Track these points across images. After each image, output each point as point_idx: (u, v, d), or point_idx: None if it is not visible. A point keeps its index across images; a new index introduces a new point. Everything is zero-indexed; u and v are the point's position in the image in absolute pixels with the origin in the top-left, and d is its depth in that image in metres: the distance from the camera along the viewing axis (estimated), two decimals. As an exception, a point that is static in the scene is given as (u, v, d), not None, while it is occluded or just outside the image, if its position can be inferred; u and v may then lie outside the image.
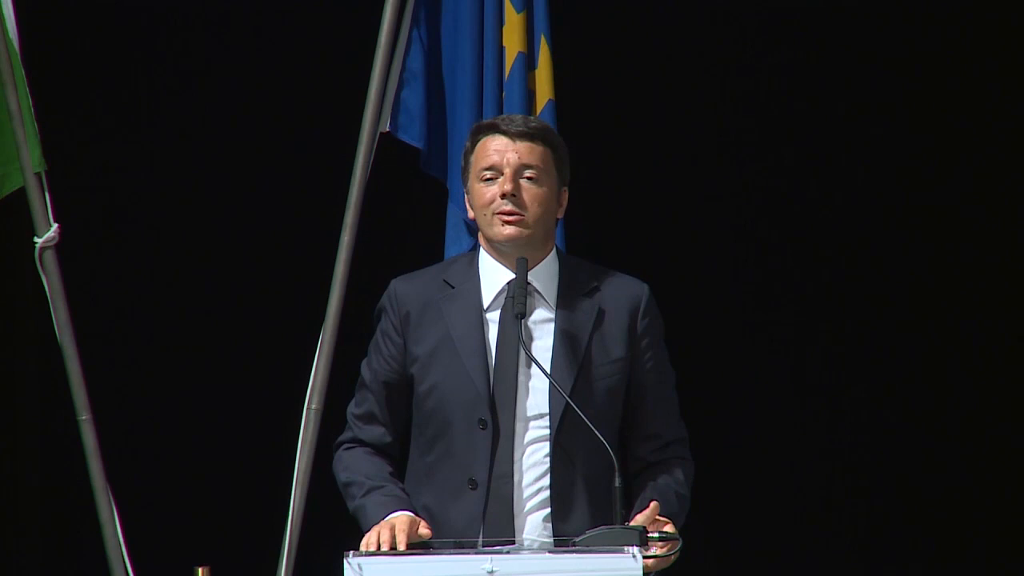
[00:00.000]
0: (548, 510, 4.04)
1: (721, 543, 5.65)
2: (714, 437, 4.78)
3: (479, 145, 4.17)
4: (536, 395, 4.06)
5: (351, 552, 3.69)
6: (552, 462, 4.04)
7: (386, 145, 5.27)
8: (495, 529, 4.00)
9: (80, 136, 5.67)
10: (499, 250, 4.16)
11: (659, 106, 5.82)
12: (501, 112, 5.16)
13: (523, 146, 4.14)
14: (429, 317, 4.14)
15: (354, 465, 4.16)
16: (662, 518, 3.92)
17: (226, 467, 5.64)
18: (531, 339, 4.10)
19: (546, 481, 4.04)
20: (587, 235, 5.15)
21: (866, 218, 5.88)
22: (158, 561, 5.25)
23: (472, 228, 5.08)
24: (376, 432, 4.18)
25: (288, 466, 5.16)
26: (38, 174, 5.18)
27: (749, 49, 5.86)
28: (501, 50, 5.26)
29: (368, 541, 3.91)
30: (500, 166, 4.12)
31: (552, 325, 4.12)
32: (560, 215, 4.22)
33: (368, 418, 4.19)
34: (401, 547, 3.86)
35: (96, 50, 5.71)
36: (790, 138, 5.86)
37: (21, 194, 5.20)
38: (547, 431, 4.05)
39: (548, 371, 4.03)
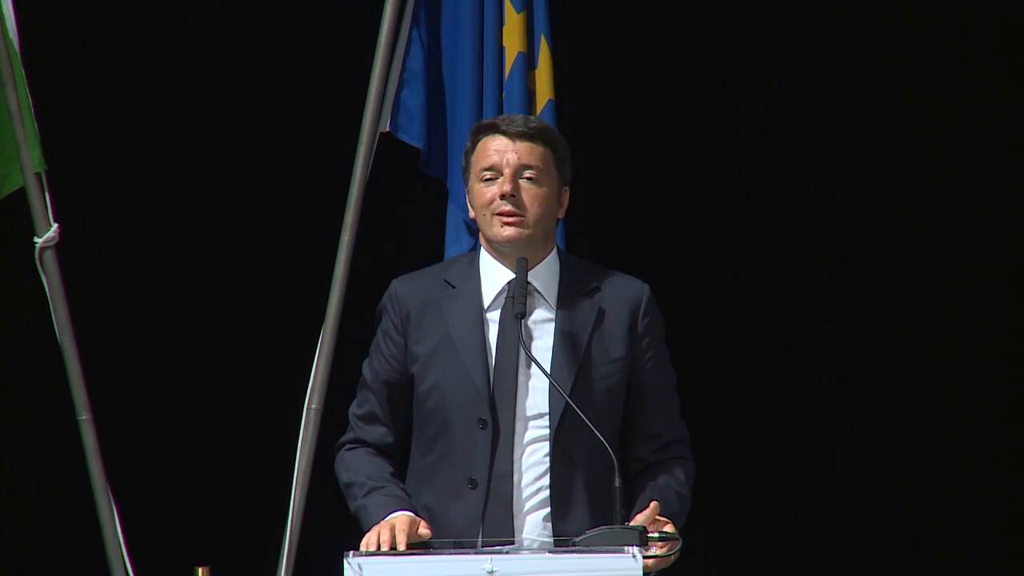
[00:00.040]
0: (548, 509, 4.04)
1: (721, 543, 5.65)
2: (714, 437, 4.78)
3: (479, 145, 4.17)
4: (536, 395, 4.06)
5: (351, 552, 3.69)
6: (552, 462, 4.04)
7: (386, 145, 5.27)
8: (495, 528, 4.00)
9: (80, 136, 5.67)
10: (499, 250, 4.16)
11: (659, 106, 5.82)
12: (501, 112, 5.16)
13: (523, 146, 4.14)
14: (430, 317, 4.15)
15: (356, 466, 4.16)
16: (662, 518, 3.92)
17: (226, 467, 5.64)
18: (531, 339, 4.10)
19: (546, 481, 4.04)
20: (587, 235, 5.15)
21: (866, 218, 5.88)
22: (158, 561, 5.25)
23: (472, 228, 5.08)
24: (378, 432, 4.18)
25: (288, 466, 5.16)
26: (38, 174, 5.18)
27: (749, 49, 5.87)
28: (501, 50, 5.26)
29: (368, 541, 3.91)
30: (500, 166, 4.12)
31: (552, 325, 4.12)
32: (561, 215, 4.22)
33: (370, 418, 4.19)
34: (401, 547, 3.86)
35: (96, 50, 5.71)
36: (790, 138, 5.86)
37: (21, 194, 5.20)
38: (547, 431, 4.05)
39: (548, 371, 4.03)
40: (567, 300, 4.14)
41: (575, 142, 4.28)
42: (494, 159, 4.13)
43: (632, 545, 3.65)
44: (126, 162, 5.73)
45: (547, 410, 4.05)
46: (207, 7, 5.71)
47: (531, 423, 4.06)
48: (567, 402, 4.00)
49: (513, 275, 4.10)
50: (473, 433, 4.05)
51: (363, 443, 4.19)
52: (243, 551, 5.27)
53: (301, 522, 5.14)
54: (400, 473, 4.17)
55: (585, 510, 4.04)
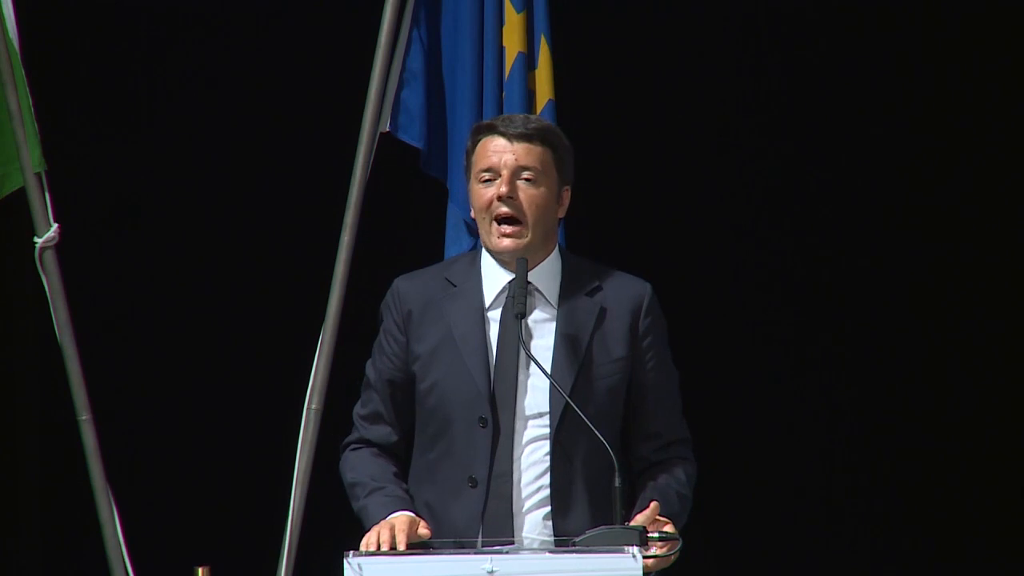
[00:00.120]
0: (548, 508, 4.04)
1: (721, 543, 5.65)
2: (714, 437, 4.77)
3: (479, 146, 4.17)
4: (536, 394, 4.06)
5: (351, 552, 3.69)
6: (552, 461, 4.04)
7: (386, 145, 5.27)
8: (495, 527, 4.00)
9: (80, 136, 5.67)
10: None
11: (659, 106, 5.82)
12: (501, 112, 5.16)
13: (520, 147, 4.13)
14: (431, 315, 4.15)
15: (359, 466, 4.16)
16: (662, 518, 3.92)
17: (226, 467, 5.64)
18: (532, 338, 4.10)
19: (546, 480, 4.04)
20: (587, 235, 5.15)
21: (866, 218, 5.88)
22: (158, 561, 5.25)
23: (472, 228, 5.08)
24: (382, 432, 4.18)
25: (288, 466, 5.16)
26: (38, 174, 5.18)
27: (749, 49, 5.87)
28: (501, 50, 5.26)
29: (368, 541, 3.91)
30: (497, 167, 4.12)
31: (553, 324, 4.12)
32: (561, 214, 4.21)
33: (374, 418, 4.19)
34: (401, 547, 3.86)
35: (96, 50, 5.71)
36: (790, 138, 5.86)
37: (21, 194, 5.20)
38: (547, 430, 4.05)
39: (549, 370, 4.03)
40: (568, 299, 4.14)
41: (575, 142, 4.27)
42: (492, 160, 4.13)
43: (632, 545, 3.65)
44: (126, 162, 5.73)
45: (547, 409, 4.05)
46: (207, 7, 5.71)
47: (531, 422, 4.06)
48: (567, 401, 4.00)
49: (514, 275, 4.10)
50: (473, 432, 4.05)
51: (367, 443, 4.19)
52: (243, 551, 5.27)
53: (301, 522, 5.14)
54: (404, 473, 4.17)
55: (585, 509, 4.04)
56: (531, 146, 4.13)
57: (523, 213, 4.11)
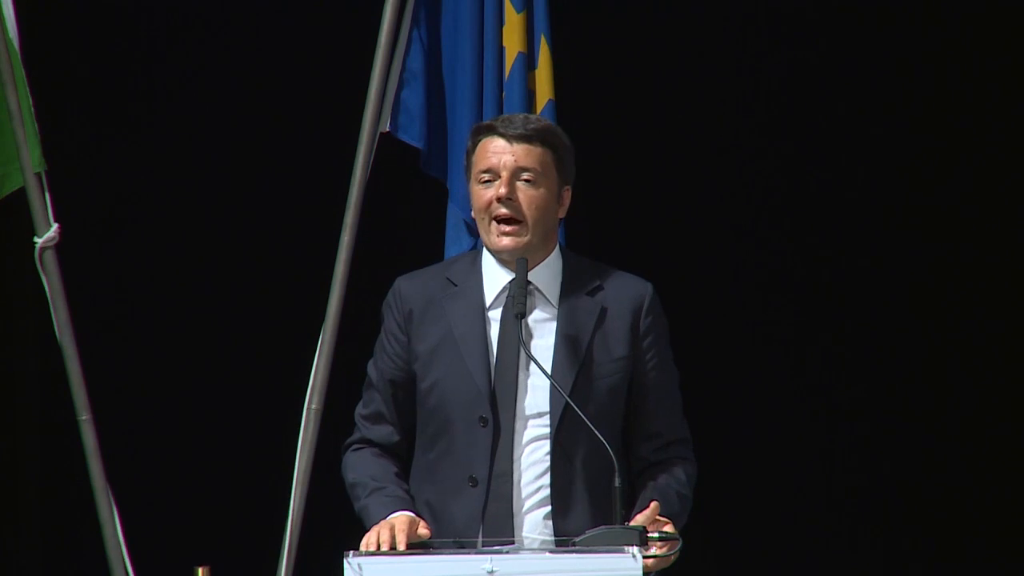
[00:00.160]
0: (548, 508, 4.04)
1: (721, 543, 5.65)
2: (714, 437, 4.78)
3: (479, 147, 4.16)
4: (536, 393, 4.06)
5: (351, 552, 3.69)
6: (552, 460, 4.04)
7: (386, 145, 5.27)
8: (495, 527, 4.00)
9: (80, 136, 5.67)
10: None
11: (659, 106, 5.82)
12: (501, 112, 5.16)
13: (520, 148, 4.13)
14: (432, 315, 4.15)
15: (360, 466, 4.16)
16: (662, 518, 3.92)
17: (226, 467, 5.64)
18: (532, 338, 4.10)
19: (546, 479, 4.04)
20: (587, 235, 5.15)
21: (866, 218, 5.88)
22: (158, 561, 5.25)
23: (472, 228, 5.08)
24: (384, 431, 4.18)
25: (288, 466, 5.16)
26: (38, 174, 5.18)
27: (749, 49, 5.86)
28: (501, 50, 5.26)
29: (368, 541, 3.91)
30: (497, 168, 4.12)
31: (554, 324, 4.12)
32: (562, 214, 4.21)
33: (376, 418, 4.19)
34: (401, 547, 3.86)
35: (96, 50, 5.71)
36: (790, 138, 5.86)
37: (21, 194, 5.20)
38: (547, 429, 4.05)
39: (549, 370, 4.03)
40: (569, 299, 4.14)
41: (575, 142, 4.27)
42: (492, 161, 4.13)
43: (632, 545, 3.65)
44: (126, 162, 5.73)
45: (547, 409, 4.05)
46: (207, 7, 5.71)
47: (531, 422, 4.06)
48: (567, 401, 4.00)
49: (515, 274, 4.10)
50: (474, 431, 4.05)
51: (369, 443, 4.19)
52: (243, 551, 5.27)
53: (301, 522, 5.14)
54: (405, 472, 4.17)
55: (586, 509, 4.04)
56: (531, 147, 4.13)
57: (522, 214, 4.11)
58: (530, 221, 4.11)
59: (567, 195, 4.21)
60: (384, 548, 3.86)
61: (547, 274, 4.15)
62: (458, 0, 5.28)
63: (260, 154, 5.71)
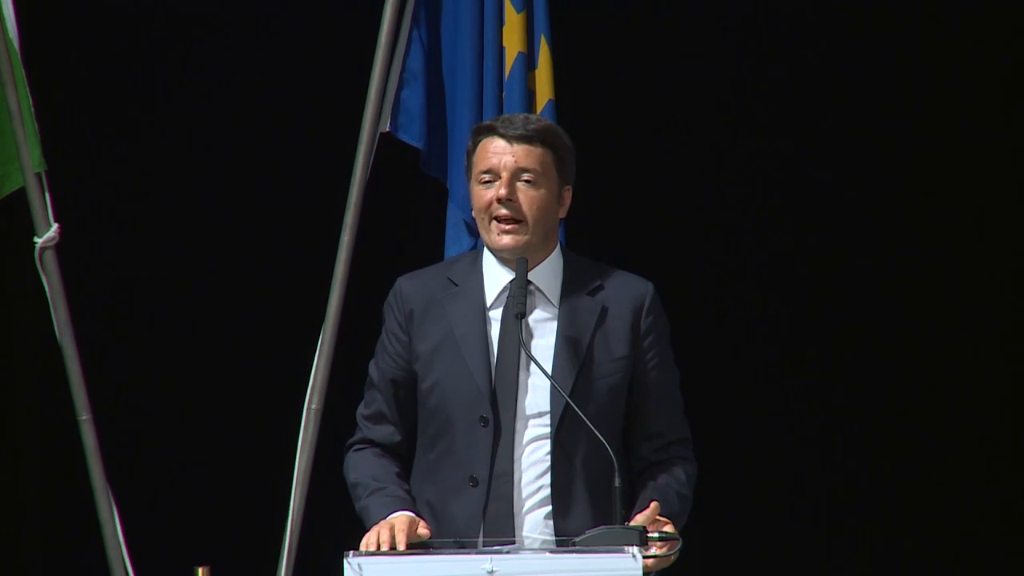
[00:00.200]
0: (549, 508, 4.04)
1: (721, 543, 5.65)
2: (714, 437, 4.78)
3: (479, 147, 4.16)
4: (537, 393, 4.06)
5: (351, 552, 3.69)
6: (552, 460, 4.04)
7: (386, 145, 5.27)
8: (496, 526, 4.00)
9: (80, 136, 5.67)
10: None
11: (659, 106, 5.82)
12: (501, 112, 5.16)
13: (520, 149, 4.13)
14: (433, 315, 4.15)
15: (362, 466, 4.16)
16: (662, 518, 3.92)
17: (226, 467, 5.64)
18: (533, 338, 4.10)
19: (547, 479, 4.04)
20: (587, 235, 5.15)
21: (866, 218, 5.88)
22: (158, 561, 5.25)
23: (472, 228, 5.08)
24: (385, 431, 4.18)
25: (288, 466, 5.16)
26: (38, 174, 5.18)
27: (749, 48, 5.86)
28: (501, 50, 5.26)
29: (368, 541, 3.91)
30: (497, 169, 4.12)
31: (554, 324, 4.12)
32: (562, 214, 4.21)
33: (377, 418, 4.19)
34: (400, 547, 3.86)
35: (96, 50, 5.71)
36: (790, 138, 5.86)
37: (21, 194, 5.20)
38: (548, 429, 4.05)
39: (550, 369, 4.03)
40: (570, 299, 4.14)
41: (575, 142, 4.27)
42: (492, 162, 4.13)
43: (632, 545, 3.65)
44: (126, 162, 5.73)
45: (548, 408, 4.05)
46: (207, 7, 5.71)
47: (532, 421, 4.06)
48: (567, 401, 4.00)
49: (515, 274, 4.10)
50: (474, 431, 4.05)
51: (371, 443, 4.19)
52: (243, 551, 5.27)
53: (301, 522, 5.14)
54: (407, 472, 4.17)
55: (587, 508, 4.04)
56: (531, 147, 4.13)
57: (522, 214, 4.11)
58: (530, 221, 4.11)
59: (568, 195, 4.21)
60: (384, 548, 3.86)
61: (548, 274, 4.15)
62: (458, 0, 5.28)
63: (260, 154, 5.72)
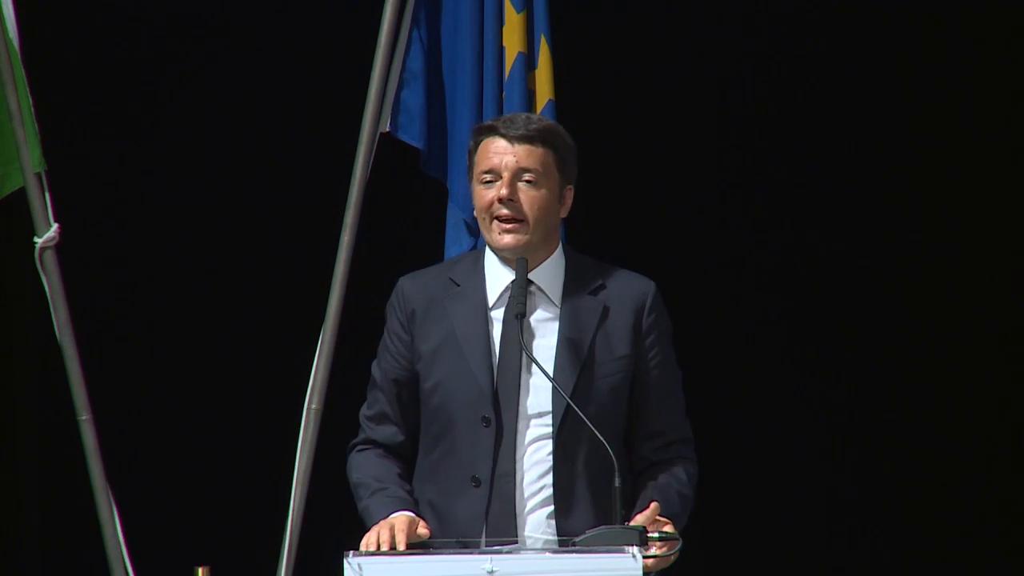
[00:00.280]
0: (551, 508, 4.04)
1: (721, 543, 5.65)
2: (714, 437, 4.78)
3: (480, 147, 4.16)
4: (538, 393, 4.06)
5: (351, 552, 3.69)
6: (554, 460, 4.04)
7: (386, 145, 5.27)
8: (498, 526, 4.01)
9: (80, 136, 5.67)
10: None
11: (659, 106, 5.82)
12: (501, 112, 5.16)
13: (521, 149, 4.13)
14: (434, 315, 4.15)
15: (364, 467, 4.16)
16: (662, 518, 3.92)
17: (226, 467, 5.64)
18: (534, 338, 4.10)
19: (549, 479, 4.04)
20: (587, 235, 5.15)
21: (866, 217, 5.88)
22: (158, 561, 5.25)
23: (472, 228, 5.09)
24: (388, 432, 4.18)
25: (288, 466, 5.16)
26: (38, 174, 5.18)
27: (749, 48, 5.86)
28: (501, 50, 5.26)
29: (368, 541, 3.91)
30: (498, 169, 4.12)
31: (556, 323, 4.12)
32: (564, 214, 4.21)
33: (380, 418, 4.19)
34: (400, 547, 3.86)
35: (96, 50, 5.71)
36: (790, 138, 5.86)
37: (21, 194, 5.20)
38: (549, 429, 4.05)
39: (551, 369, 4.03)
40: (571, 298, 4.14)
41: (575, 142, 4.27)
42: (493, 162, 4.13)
43: (632, 545, 3.65)
44: (126, 162, 5.73)
45: (550, 408, 4.05)
46: (207, 7, 5.71)
47: (533, 421, 4.06)
48: (568, 402, 4.00)
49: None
50: (476, 431, 4.05)
51: (374, 443, 4.19)
52: (243, 551, 5.27)
53: (301, 522, 5.14)
54: (409, 473, 4.17)
55: (588, 509, 4.04)
56: (532, 147, 4.13)
57: (524, 214, 4.11)
58: (531, 221, 4.11)
59: (569, 195, 4.21)
60: (384, 548, 3.86)
61: (549, 273, 4.15)
62: (458, 0, 5.28)
63: (260, 154, 5.71)
